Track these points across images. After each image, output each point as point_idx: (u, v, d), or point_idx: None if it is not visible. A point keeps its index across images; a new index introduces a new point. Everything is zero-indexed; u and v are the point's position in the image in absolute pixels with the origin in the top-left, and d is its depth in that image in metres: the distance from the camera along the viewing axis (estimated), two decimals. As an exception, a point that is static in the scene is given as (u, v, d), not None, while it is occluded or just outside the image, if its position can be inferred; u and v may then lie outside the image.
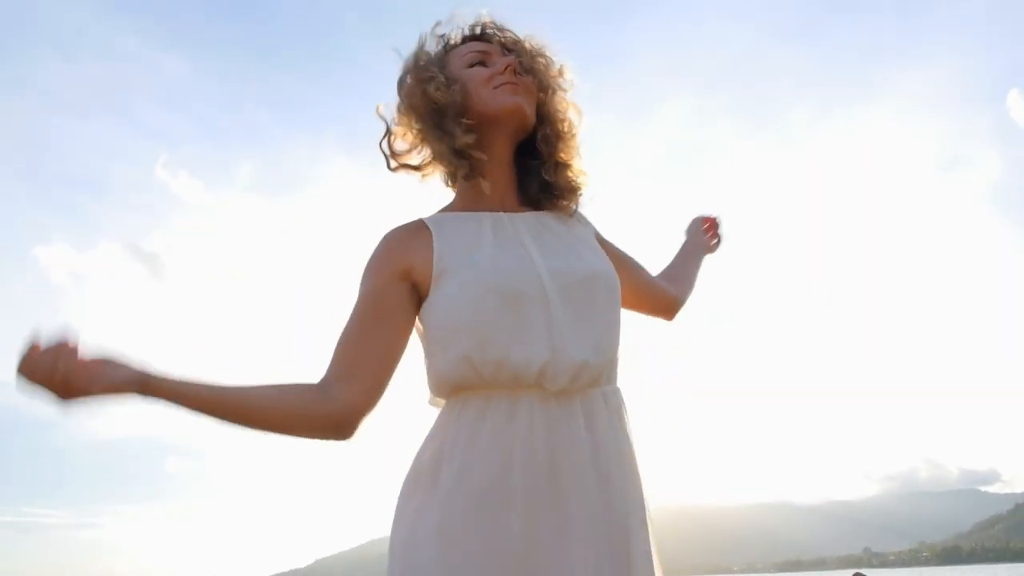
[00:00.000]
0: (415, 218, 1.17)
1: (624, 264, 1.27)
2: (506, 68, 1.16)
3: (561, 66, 1.23)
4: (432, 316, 1.08)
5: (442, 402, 1.08)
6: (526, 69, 1.19)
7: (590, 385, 1.05)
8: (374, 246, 1.15)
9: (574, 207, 1.23)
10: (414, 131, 1.18)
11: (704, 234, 1.57)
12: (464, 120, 1.12)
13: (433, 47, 1.21)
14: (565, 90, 1.22)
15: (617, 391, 1.11)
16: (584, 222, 1.25)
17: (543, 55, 1.22)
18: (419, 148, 1.20)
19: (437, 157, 1.18)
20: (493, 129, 1.15)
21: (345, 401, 1.06)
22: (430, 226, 1.14)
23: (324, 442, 1.07)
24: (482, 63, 1.18)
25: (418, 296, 1.11)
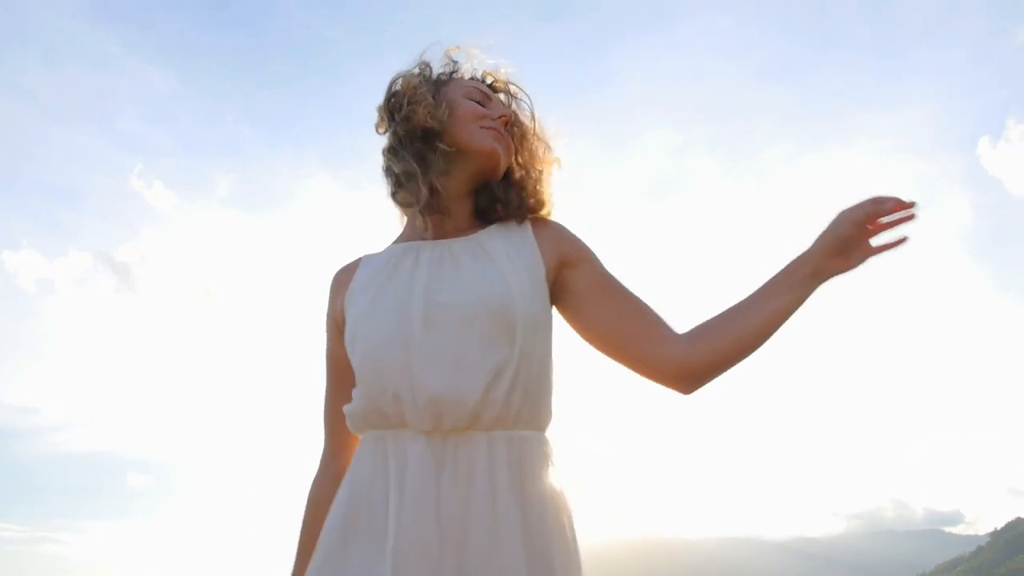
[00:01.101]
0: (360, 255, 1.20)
1: (592, 300, 1.11)
2: (500, 117, 1.16)
3: (558, 158, 1.21)
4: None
5: None
6: (518, 137, 1.19)
7: (468, 426, 0.98)
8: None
9: (522, 215, 1.17)
10: (389, 147, 1.16)
11: (855, 240, 1.00)
12: (441, 145, 1.11)
13: (439, 67, 1.20)
14: (549, 176, 1.20)
15: (518, 439, 1.01)
16: (525, 238, 1.13)
17: (543, 140, 1.20)
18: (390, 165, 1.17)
19: (401, 179, 1.14)
20: (463, 161, 1.13)
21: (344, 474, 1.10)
22: (362, 264, 1.16)
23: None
24: (480, 103, 1.17)
25: None
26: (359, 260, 1.18)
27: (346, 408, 1.06)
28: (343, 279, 1.17)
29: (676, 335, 1.07)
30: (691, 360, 1.04)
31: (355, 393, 1.06)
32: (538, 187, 1.18)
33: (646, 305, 1.10)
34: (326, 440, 1.16)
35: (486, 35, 1.19)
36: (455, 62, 1.21)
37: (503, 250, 1.10)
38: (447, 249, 1.12)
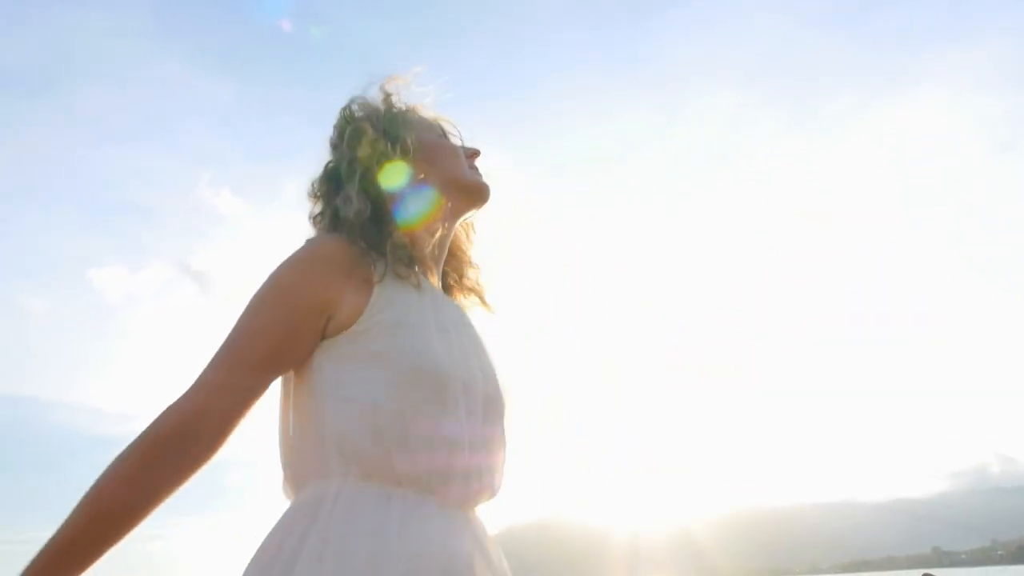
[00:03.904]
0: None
1: None
2: (475, 155, 1.15)
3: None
4: (350, 375, 0.92)
5: (315, 485, 0.90)
6: None
7: (479, 504, 0.99)
8: (305, 250, 0.97)
9: (489, 305, 1.17)
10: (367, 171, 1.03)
11: None
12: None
13: (398, 100, 1.14)
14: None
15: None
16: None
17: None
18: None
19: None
20: (452, 198, 1.09)
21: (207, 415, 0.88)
22: (376, 263, 0.99)
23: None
24: (445, 137, 1.16)
25: (325, 332, 0.94)
26: (362, 251, 0.97)
27: (367, 450, 0.89)
28: (358, 264, 0.96)
29: None
30: None
31: (378, 434, 0.89)
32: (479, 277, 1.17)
33: None
34: (233, 380, 0.90)
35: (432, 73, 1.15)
36: (395, 96, 1.14)
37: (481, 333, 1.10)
38: (460, 312, 1.10)
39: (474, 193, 1.11)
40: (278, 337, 0.92)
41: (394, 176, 1.04)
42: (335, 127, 1.11)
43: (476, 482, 0.94)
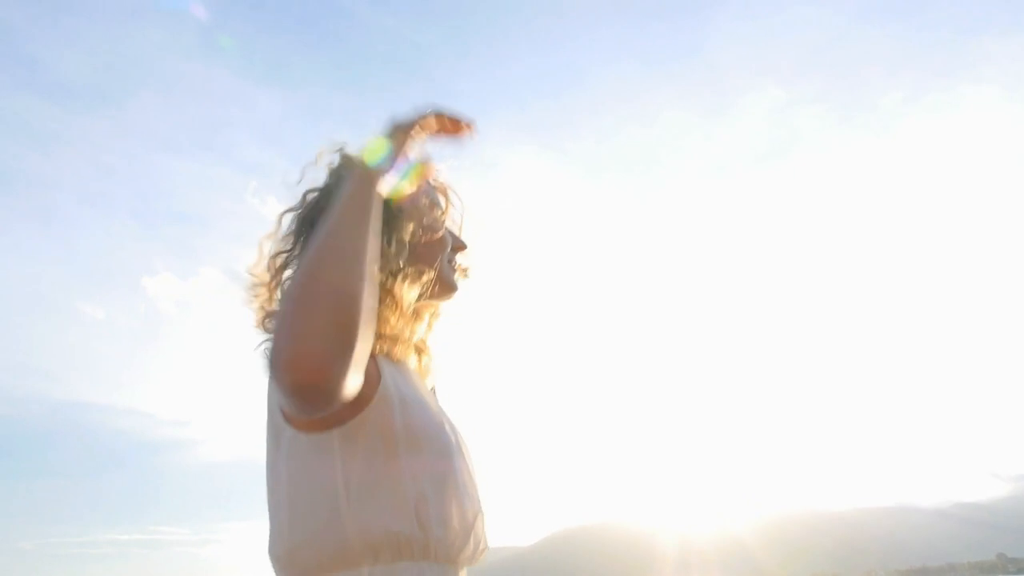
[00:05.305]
0: None
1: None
2: (461, 248, 1.19)
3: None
4: (373, 457, 0.90)
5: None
6: None
7: (476, 563, 1.03)
8: None
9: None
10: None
11: None
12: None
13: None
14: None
15: None
16: None
17: None
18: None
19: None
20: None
21: (351, 387, 0.86)
22: None
23: (289, 394, 0.84)
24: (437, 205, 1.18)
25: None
26: None
27: (406, 526, 0.89)
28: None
29: None
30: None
31: (416, 509, 0.90)
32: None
33: None
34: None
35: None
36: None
37: None
38: (425, 385, 1.12)
39: (442, 290, 1.14)
40: None
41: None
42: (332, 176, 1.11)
43: (482, 543, 1.00)
